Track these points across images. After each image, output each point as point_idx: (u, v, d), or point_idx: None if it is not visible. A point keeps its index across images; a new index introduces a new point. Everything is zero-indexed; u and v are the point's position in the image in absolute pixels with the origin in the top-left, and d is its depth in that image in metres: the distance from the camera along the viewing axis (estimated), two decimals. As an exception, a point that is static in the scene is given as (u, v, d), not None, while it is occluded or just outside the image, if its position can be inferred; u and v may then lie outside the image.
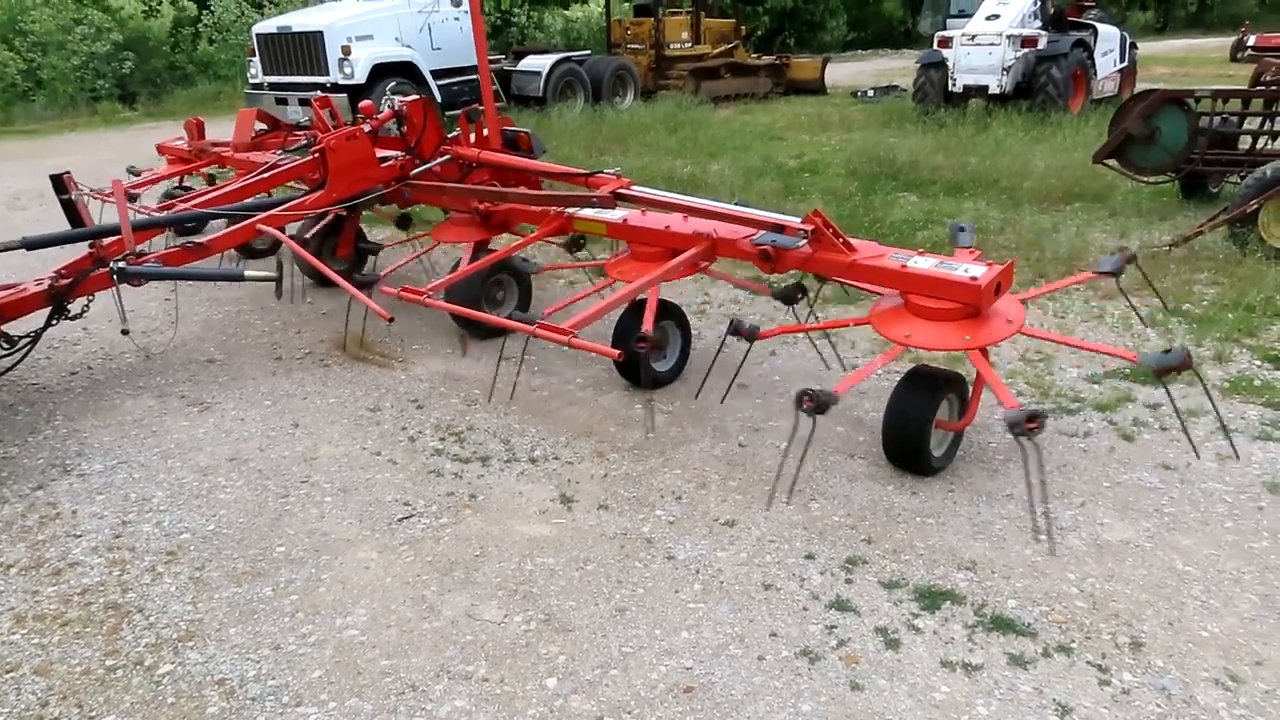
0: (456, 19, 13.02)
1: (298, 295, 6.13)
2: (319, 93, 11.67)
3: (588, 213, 4.61)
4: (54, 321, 4.43)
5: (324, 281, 5.51)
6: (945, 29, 12.99)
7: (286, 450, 4.02)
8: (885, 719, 2.41)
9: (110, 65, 19.83)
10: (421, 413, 4.37)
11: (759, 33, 28.10)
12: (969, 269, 3.47)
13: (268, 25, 12.58)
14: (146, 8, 24.13)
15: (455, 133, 5.49)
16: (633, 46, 16.95)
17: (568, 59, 14.87)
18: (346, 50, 11.69)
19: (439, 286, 4.24)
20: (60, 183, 4.70)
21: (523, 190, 4.83)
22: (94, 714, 2.51)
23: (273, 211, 4.86)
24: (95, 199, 5.33)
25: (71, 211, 4.75)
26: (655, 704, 2.49)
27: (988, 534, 3.24)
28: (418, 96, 5.48)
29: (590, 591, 2.99)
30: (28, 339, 4.39)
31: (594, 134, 11.87)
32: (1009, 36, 11.65)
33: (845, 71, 22.81)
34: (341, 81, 11.72)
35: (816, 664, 2.62)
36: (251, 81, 12.94)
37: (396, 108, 5.28)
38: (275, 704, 2.53)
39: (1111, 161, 7.45)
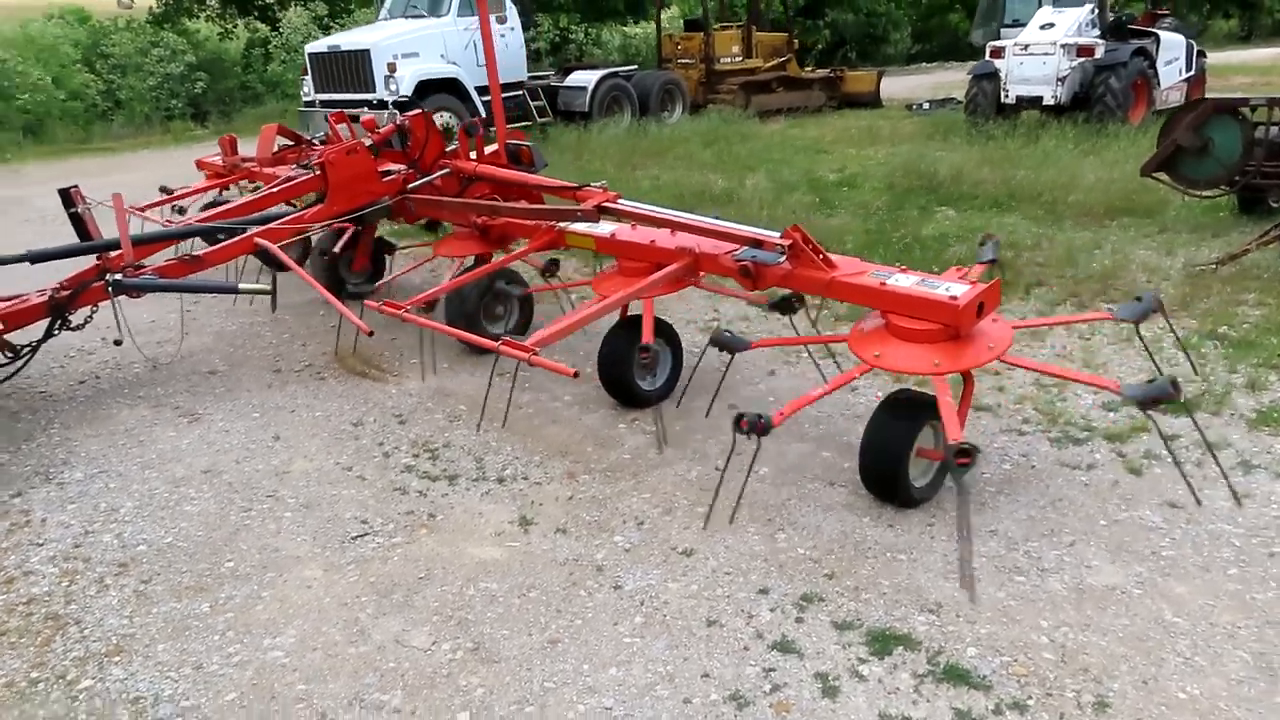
0: (502, 35, 13.14)
1: (312, 308, 6.18)
2: (368, 111, 11.98)
3: (579, 227, 4.51)
4: (55, 332, 4.52)
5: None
6: (999, 39, 12.58)
7: (261, 464, 4.00)
8: (807, 774, 2.23)
9: (184, 85, 20.60)
10: (402, 428, 4.32)
11: (819, 47, 27.77)
12: (950, 288, 3.26)
13: (319, 45, 12.88)
14: (222, 30, 25.05)
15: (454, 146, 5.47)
16: (683, 61, 16.88)
17: (615, 74, 14.87)
18: (392, 67, 11.89)
19: (418, 301, 4.19)
20: (68, 197, 4.82)
21: (513, 204, 4.77)
22: (6, 729, 2.49)
23: (270, 226, 4.89)
24: (137, 212, 5.49)
25: (79, 224, 4.86)
26: (565, 746, 2.35)
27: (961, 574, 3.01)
28: (419, 111, 5.48)
29: (526, 620, 2.87)
30: (29, 348, 4.49)
31: (632, 148, 11.80)
32: (1064, 45, 11.20)
33: (905, 85, 22.35)
34: (387, 98, 11.91)
35: (745, 710, 2.45)
36: (305, 99, 13.27)
37: (398, 122, 5.28)
38: (182, 728, 2.47)
39: (1161, 175, 7.05)
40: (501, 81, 13.38)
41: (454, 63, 12.57)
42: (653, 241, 4.19)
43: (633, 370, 4.34)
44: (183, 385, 4.96)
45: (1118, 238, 6.99)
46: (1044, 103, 11.56)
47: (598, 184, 4.53)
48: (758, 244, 3.69)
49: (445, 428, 4.31)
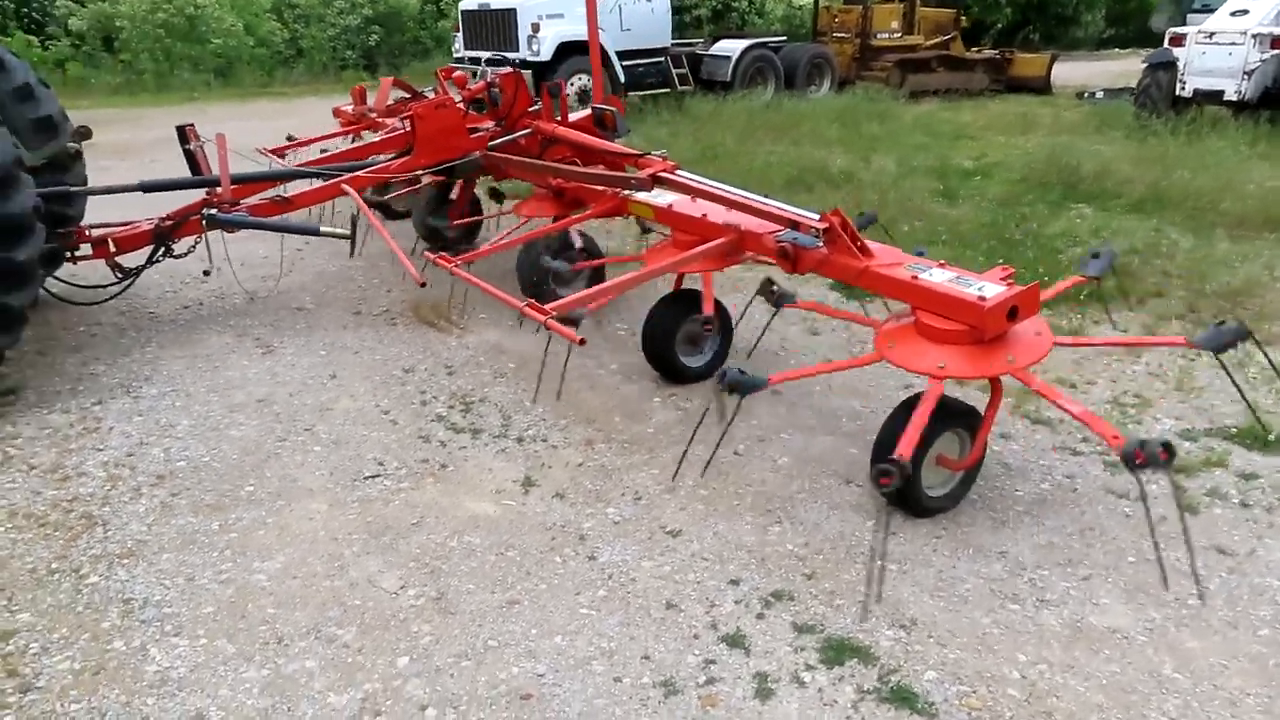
0: (649, 1, 13.08)
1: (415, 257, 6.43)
2: (508, 68, 12.26)
3: (642, 196, 4.47)
4: (158, 259, 4.92)
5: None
6: (1185, 24, 11.42)
7: (311, 398, 4.23)
8: (708, 772, 2.17)
9: (360, 37, 21.71)
10: (448, 379, 4.45)
11: (998, 25, 26.10)
12: (985, 288, 3.03)
13: (471, 2, 13.24)
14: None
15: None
16: (838, 35, 16.28)
17: (762, 44, 14.53)
18: (535, 27, 12.08)
19: (470, 257, 4.28)
20: (183, 134, 5.19)
21: (572, 168, 4.76)
22: (16, 607, 2.76)
23: (357, 174, 5.11)
24: (267, 153, 5.96)
25: (191, 160, 5.24)
26: (485, 704, 2.39)
27: (950, 593, 2.82)
28: (510, 69, 5.55)
29: (495, 578, 2.91)
30: (135, 271, 4.91)
31: (761, 121, 11.53)
32: (1255, 35, 10.03)
33: (1086, 71, 20.69)
34: (529, 58, 12.13)
35: (671, 698, 2.40)
36: (455, 55, 13.71)
37: (489, 80, 5.37)
38: (157, 630, 2.67)
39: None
40: (643, 48, 13.39)
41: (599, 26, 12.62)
42: (704, 215, 4.10)
43: (675, 344, 4.30)
44: (269, 319, 5.29)
45: (1270, 253, 6.26)
46: (1225, 98, 10.43)
47: (659, 152, 4.46)
48: (795, 225, 3.54)
49: (488, 383, 4.40)
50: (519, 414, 4.08)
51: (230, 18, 20.11)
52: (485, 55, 12.74)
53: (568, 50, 12.29)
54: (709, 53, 14.41)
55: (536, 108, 5.50)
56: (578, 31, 12.37)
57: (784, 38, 15.53)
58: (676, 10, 24.57)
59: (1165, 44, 11.12)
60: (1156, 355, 4.62)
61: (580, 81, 12.40)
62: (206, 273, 5.03)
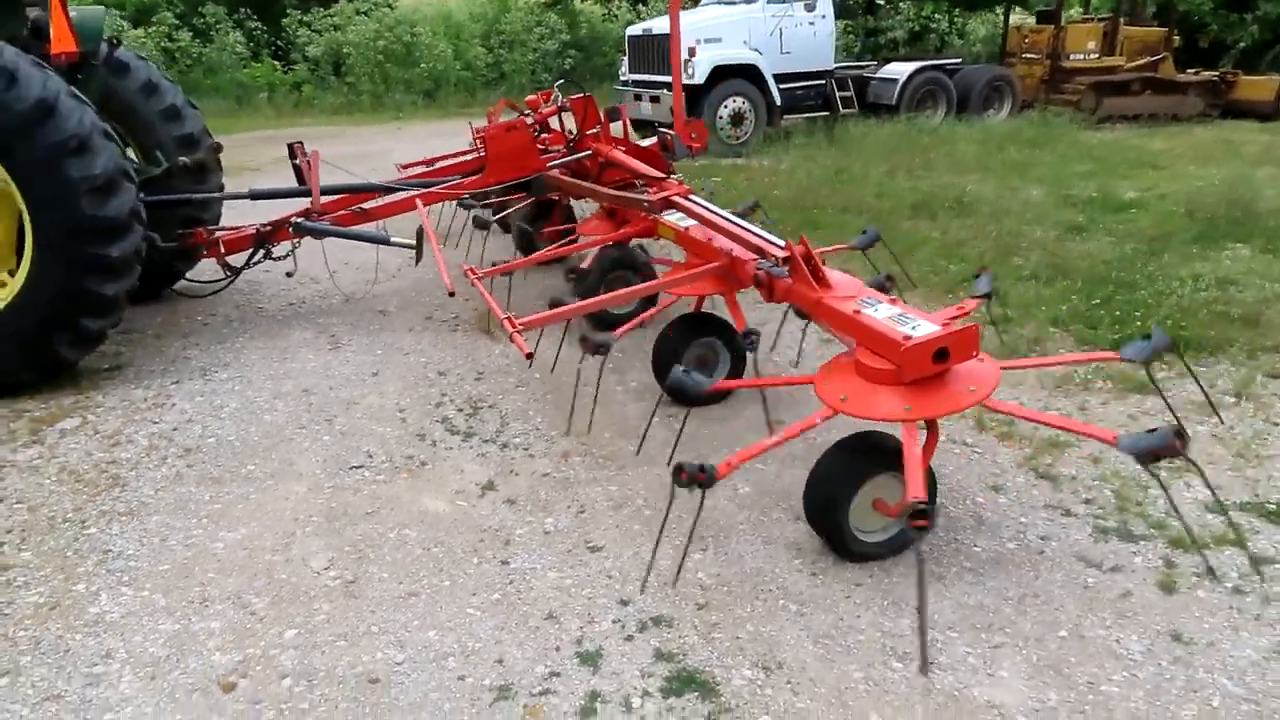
0: (811, 24, 12.95)
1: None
2: (665, 91, 12.58)
3: (670, 218, 4.54)
4: (256, 260, 5.56)
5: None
6: None
7: (346, 393, 4.63)
8: (492, 776, 2.23)
9: (556, 61, 22.94)
10: (474, 384, 4.71)
11: (1240, 45, 23.40)
12: (919, 327, 2.87)
13: (636, 28, 13.69)
14: (605, 13, 27.39)
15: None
16: (1028, 56, 15.33)
17: (934, 67, 13.96)
18: (692, 51, 12.30)
19: (492, 273, 4.53)
20: (292, 150, 5.83)
21: (603, 189, 4.89)
22: (25, 548, 3.27)
23: (430, 190, 5.52)
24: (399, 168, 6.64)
25: (298, 173, 5.87)
26: (336, 682, 2.57)
27: (840, 644, 2.69)
28: (582, 94, 5.76)
29: (408, 571, 3.10)
30: (236, 271, 5.57)
31: (912, 144, 11.09)
32: None
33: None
34: (685, 81, 12.37)
35: (499, 702, 2.48)
36: (621, 79, 14.22)
37: (560, 104, 5.63)
38: (115, 579, 3.07)
39: None
40: (804, 70, 13.26)
41: (756, 49, 12.67)
42: (710, 239, 4.11)
43: (682, 365, 4.31)
44: (350, 319, 5.81)
45: None
46: None
47: (676, 177, 4.51)
48: (761, 252, 3.49)
49: (507, 390, 4.62)
50: (518, 421, 4.26)
51: (442, 44, 21.90)
52: (646, 78, 13.15)
53: (723, 74, 12.42)
54: (876, 76, 14.04)
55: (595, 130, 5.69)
56: (734, 56, 12.51)
57: (959, 60, 14.83)
58: (871, 33, 24.22)
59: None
60: (1227, 418, 4.09)
61: (734, 104, 12.50)
62: (289, 274, 5.62)
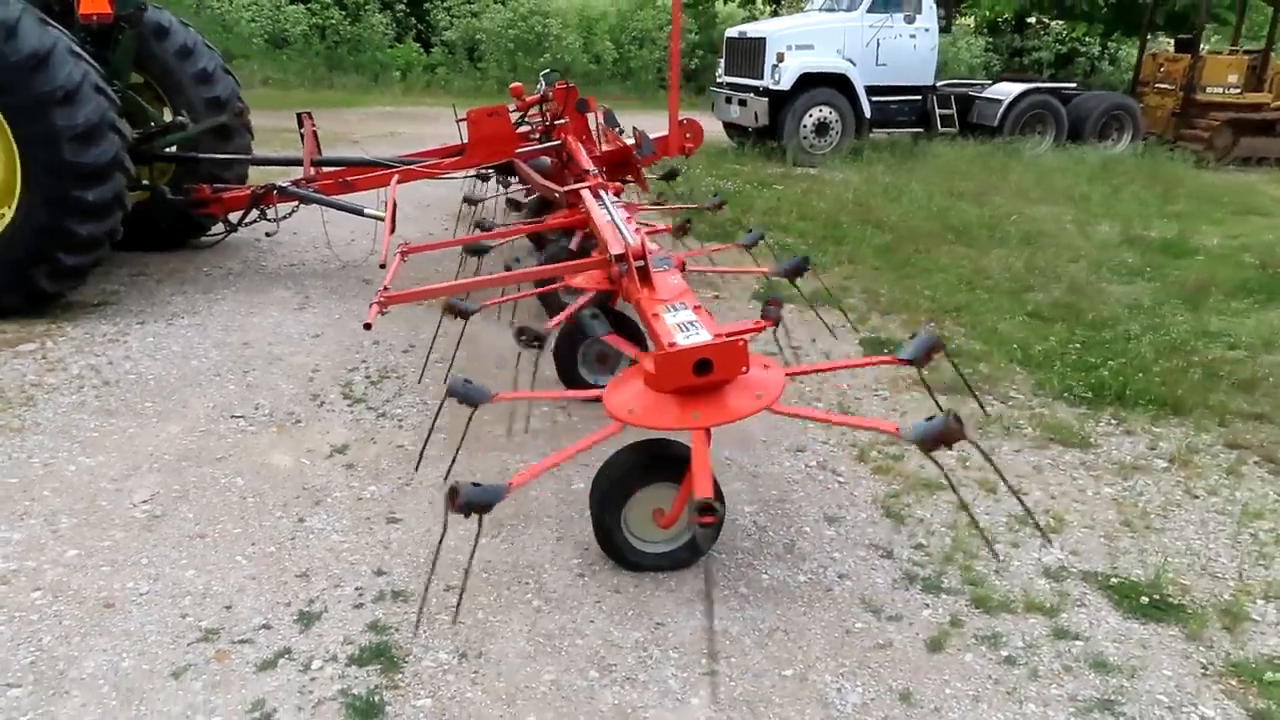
0: (912, 36, 12.46)
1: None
2: (752, 95, 12.45)
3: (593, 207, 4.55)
4: (249, 221, 5.92)
5: None
6: None
7: (279, 350, 4.87)
8: None
9: (684, 60, 22.99)
10: (401, 356, 4.85)
11: None
12: (692, 336, 2.78)
13: (734, 30, 13.57)
14: (747, 14, 27.25)
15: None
16: (1160, 86, 14.21)
17: (1045, 90, 13.16)
18: (781, 57, 12.08)
19: (423, 248, 4.66)
20: (300, 119, 6.17)
21: (539, 180, 4.92)
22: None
23: (409, 167, 5.72)
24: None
25: (304, 142, 6.19)
26: (77, 601, 2.74)
27: (553, 645, 2.65)
28: (564, 84, 5.81)
29: (213, 515, 3.25)
30: (233, 227, 5.95)
31: (990, 168, 10.52)
32: None
33: None
34: (770, 87, 12.19)
35: (198, 644, 2.58)
36: (716, 80, 14.14)
37: (543, 93, 5.70)
38: (51, 469, 3.38)
39: None
40: (900, 84, 12.80)
41: (849, 59, 12.32)
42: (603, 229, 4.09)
43: (579, 362, 4.30)
44: (332, 284, 6.08)
45: None
46: None
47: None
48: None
49: (438, 368, 4.69)
50: (411, 394, 4.37)
51: (570, 36, 22.39)
52: (737, 81, 13.04)
53: (810, 81, 12.15)
54: (981, 95, 13.37)
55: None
56: (824, 63, 12.21)
57: (1074, 85, 13.91)
58: (1016, 52, 23.03)
59: None
60: (1150, 480, 3.73)
61: (820, 114, 12.20)
62: (269, 234, 5.94)
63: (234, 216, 6.00)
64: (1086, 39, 21.58)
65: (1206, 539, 3.34)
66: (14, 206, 4.87)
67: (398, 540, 3.14)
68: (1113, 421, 4.31)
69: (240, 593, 2.82)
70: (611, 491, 2.91)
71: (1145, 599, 2.92)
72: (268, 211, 5.92)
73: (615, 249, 3.35)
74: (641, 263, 3.22)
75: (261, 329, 5.15)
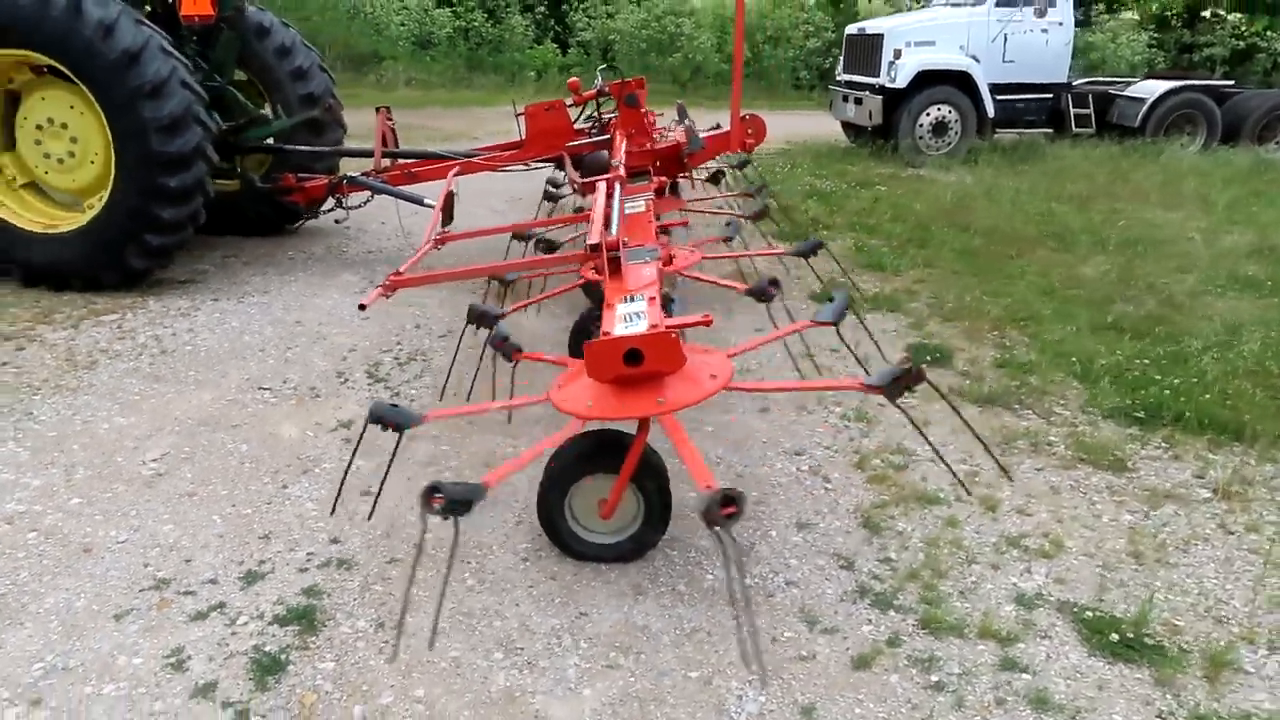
0: (1044, 31, 11.71)
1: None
2: (867, 93, 12.07)
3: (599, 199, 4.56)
4: (324, 210, 6.28)
5: None
6: None
7: (326, 329, 5.13)
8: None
9: (816, 59, 22.57)
10: (433, 340, 5.03)
11: None
12: (633, 327, 2.75)
13: (854, 27, 13.17)
14: (891, 8, 26.42)
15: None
16: (1340, 84, 12.77)
17: (1200, 88, 12.06)
18: (898, 54, 11.64)
19: (458, 237, 4.80)
20: (377, 113, 6.47)
21: (572, 175, 4.94)
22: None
23: (470, 160, 5.90)
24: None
25: (383, 136, 6.50)
26: (64, 544, 3.00)
27: (470, 624, 2.69)
28: (620, 79, 5.82)
29: (210, 477, 3.48)
30: (312, 214, 6.33)
31: (1120, 172, 9.76)
32: None
33: None
34: (886, 84, 11.77)
35: (146, 592, 2.77)
36: (837, 78, 13.77)
37: (599, 88, 5.74)
38: (11, 434, 3.75)
39: None
40: (1028, 81, 12.10)
41: (973, 56, 11.73)
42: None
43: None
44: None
45: None
46: None
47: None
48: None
49: (454, 349, 4.85)
50: (432, 375, 4.51)
51: (704, 34, 22.39)
52: (855, 78, 12.68)
53: (929, 79, 11.64)
54: (1123, 94, 12.42)
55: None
56: (943, 61, 11.69)
57: (1232, 83, 12.69)
58: (1186, 48, 21.23)
59: None
60: (1182, 510, 3.39)
61: (938, 113, 11.68)
62: (338, 221, 6.26)
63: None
64: (1269, 34, 19.61)
65: (1225, 579, 2.99)
66: (109, 191, 5.36)
67: (363, 512, 3.25)
68: (1162, 445, 3.92)
69: (204, 549, 3.01)
70: (555, 484, 2.92)
71: (1117, 637, 2.65)
72: (344, 200, 6.25)
73: (593, 239, 3.34)
74: (615, 254, 3.20)
75: (318, 309, 5.45)
